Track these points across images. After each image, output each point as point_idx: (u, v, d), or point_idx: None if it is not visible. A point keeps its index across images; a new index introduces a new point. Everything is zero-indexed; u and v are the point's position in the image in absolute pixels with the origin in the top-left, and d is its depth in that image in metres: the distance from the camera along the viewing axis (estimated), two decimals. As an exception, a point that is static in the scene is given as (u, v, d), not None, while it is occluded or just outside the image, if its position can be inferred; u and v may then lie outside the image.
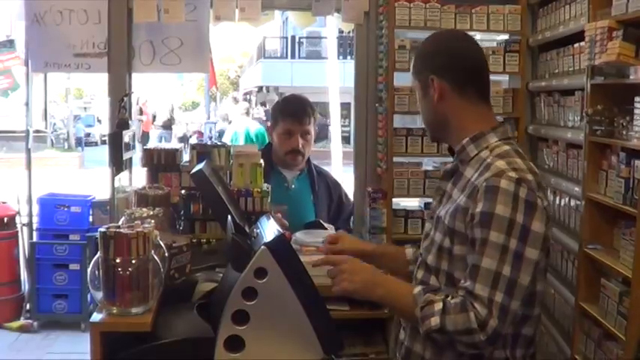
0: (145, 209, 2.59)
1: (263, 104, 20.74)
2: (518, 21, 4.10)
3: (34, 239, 6.18)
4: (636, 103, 2.84)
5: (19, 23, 6.01)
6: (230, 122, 12.19)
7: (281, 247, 1.99)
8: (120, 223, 2.28)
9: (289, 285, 1.97)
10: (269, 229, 2.20)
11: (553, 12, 3.87)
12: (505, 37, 4.23)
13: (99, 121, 28.23)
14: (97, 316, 2.14)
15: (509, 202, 1.85)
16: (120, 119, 3.81)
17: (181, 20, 4.09)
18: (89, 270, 2.18)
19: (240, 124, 10.22)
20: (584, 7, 3.42)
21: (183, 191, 3.04)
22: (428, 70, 2.10)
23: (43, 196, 6.34)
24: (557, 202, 3.71)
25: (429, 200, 4.18)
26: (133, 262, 2.10)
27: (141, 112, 17.34)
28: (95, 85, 31.77)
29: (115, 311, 2.13)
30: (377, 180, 4.14)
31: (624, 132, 2.99)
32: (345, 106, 14.34)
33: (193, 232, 2.96)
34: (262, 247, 1.97)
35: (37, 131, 13.22)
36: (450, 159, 3.68)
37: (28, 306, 6.11)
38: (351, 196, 4.19)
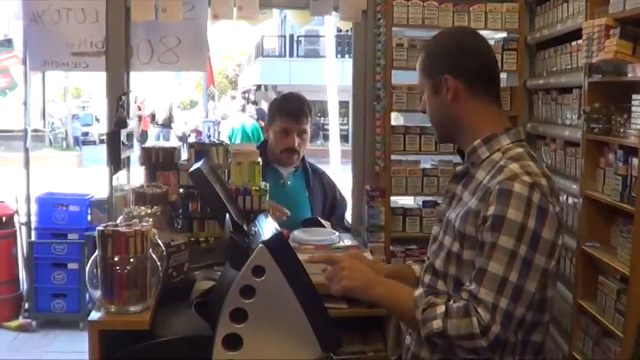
0: (142, 208, 2.60)
1: (255, 103, 20.78)
2: (516, 19, 4.10)
3: (33, 238, 6.17)
4: (634, 100, 2.85)
5: (16, 22, 6.01)
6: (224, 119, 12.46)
7: (279, 245, 1.99)
8: (118, 221, 2.29)
9: (287, 283, 1.97)
10: (267, 227, 2.20)
11: (551, 10, 3.88)
12: (503, 35, 4.23)
13: (97, 120, 28.21)
14: (95, 315, 2.15)
15: (521, 207, 1.81)
16: (118, 118, 3.81)
17: (179, 19, 4.08)
18: (87, 268, 2.18)
19: (237, 121, 10.38)
20: (581, 5, 3.43)
21: (181, 190, 3.04)
22: (441, 69, 2.04)
23: (41, 195, 6.34)
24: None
25: (427, 198, 4.21)
26: (131, 260, 2.10)
27: (139, 111, 17.34)
28: (93, 84, 31.76)
29: (113, 309, 2.13)
30: (375, 178, 4.14)
31: (622, 130, 2.99)
32: (343, 105, 14.35)
33: (191, 231, 2.96)
34: (260, 245, 1.97)
35: (35, 130, 13.20)
36: (447, 157, 3.67)
37: (26, 305, 6.10)
38: (349, 195, 4.20)
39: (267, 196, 3.00)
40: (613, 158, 3.07)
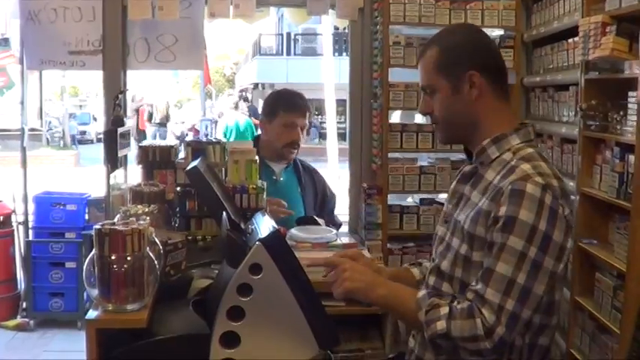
0: (140, 206, 2.59)
1: (246, 100, 20.80)
2: (513, 16, 4.11)
3: (30, 237, 6.16)
4: (630, 97, 2.86)
5: (13, 21, 5.99)
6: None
7: (276, 243, 1.99)
8: (115, 220, 2.28)
9: (284, 281, 1.96)
10: (264, 225, 2.20)
11: (547, 7, 3.88)
12: (500, 32, 4.24)
13: (94, 119, 28.17)
14: (92, 313, 2.14)
15: (533, 208, 1.77)
16: (115, 117, 3.81)
17: (176, 17, 4.09)
18: (85, 267, 2.18)
19: (231, 118, 10.49)
20: (578, 3, 3.44)
21: (178, 188, 3.04)
22: (465, 66, 1.94)
23: (38, 195, 6.32)
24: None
25: (425, 196, 4.22)
26: (128, 258, 2.10)
27: (137, 111, 17.33)
28: (91, 83, 31.71)
29: (110, 308, 2.13)
30: (372, 176, 4.15)
31: (618, 126, 3.00)
32: (341, 103, 14.34)
33: (189, 229, 2.96)
34: (257, 243, 1.97)
35: (33, 129, 13.17)
36: (444, 155, 3.66)
37: (24, 304, 6.08)
38: (346, 193, 4.21)
39: (265, 194, 3.00)
40: (609, 155, 3.08)
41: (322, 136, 21.01)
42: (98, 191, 5.67)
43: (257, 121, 10.28)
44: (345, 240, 3.32)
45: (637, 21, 2.78)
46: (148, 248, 2.17)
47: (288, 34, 25.73)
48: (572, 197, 3.39)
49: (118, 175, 3.45)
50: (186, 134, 18.23)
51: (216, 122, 16.58)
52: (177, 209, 3.00)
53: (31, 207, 6.20)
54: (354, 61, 4.24)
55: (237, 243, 2.11)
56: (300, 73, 21.85)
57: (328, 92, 12.20)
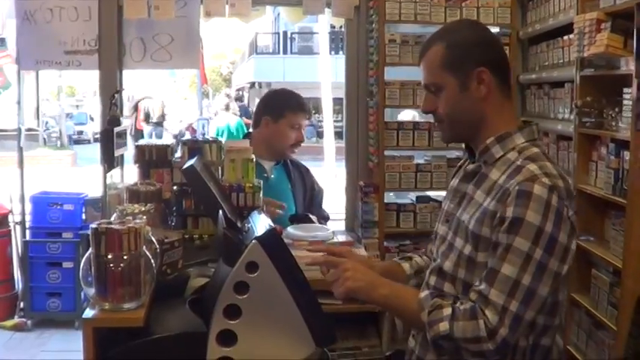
0: (136, 205, 2.59)
1: (238, 99, 20.78)
2: (508, 14, 4.11)
3: (27, 238, 6.16)
4: (625, 94, 2.86)
5: (10, 21, 5.99)
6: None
7: (272, 241, 1.99)
8: (112, 219, 2.29)
9: (281, 279, 1.96)
10: (260, 223, 2.20)
11: (542, 4, 3.89)
12: (495, 30, 4.24)
13: (91, 118, 28.14)
14: (89, 312, 2.14)
15: (540, 210, 1.75)
16: (111, 116, 3.81)
17: (171, 16, 4.09)
18: (81, 266, 2.18)
19: (222, 119, 10.41)
20: (573, 0, 3.44)
21: (175, 187, 3.04)
22: (475, 62, 1.90)
23: (35, 195, 6.32)
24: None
25: (421, 194, 4.22)
26: (125, 257, 2.10)
27: (136, 109, 17.31)
28: (88, 82, 31.67)
29: (107, 307, 2.13)
30: (368, 174, 4.15)
31: (613, 123, 3.01)
32: (337, 102, 14.32)
33: (185, 228, 2.97)
34: (253, 241, 1.97)
35: (29, 129, 13.19)
36: (440, 153, 3.65)
37: (21, 304, 6.09)
38: (342, 191, 4.21)
39: (261, 192, 3.01)
40: (605, 151, 3.09)
41: (319, 134, 21.00)
42: (95, 191, 5.68)
43: (248, 121, 10.26)
44: (342, 238, 3.33)
45: (631, 17, 2.78)
46: (144, 247, 2.17)
47: (285, 33, 25.73)
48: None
49: (114, 175, 3.46)
50: (184, 133, 18.23)
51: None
52: (174, 208, 3.01)
53: (28, 207, 6.21)
54: (350, 59, 4.24)
55: (233, 241, 2.11)
56: (296, 72, 21.86)
57: (325, 91, 12.19)
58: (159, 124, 17.43)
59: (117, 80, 4.17)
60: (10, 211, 6.28)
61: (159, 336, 2.12)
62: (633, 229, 2.82)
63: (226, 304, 1.98)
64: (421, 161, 4.20)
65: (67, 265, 5.94)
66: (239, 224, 2.49)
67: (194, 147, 3.07)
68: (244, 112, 15.05)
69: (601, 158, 3.16)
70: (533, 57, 4.11)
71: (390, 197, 4.24)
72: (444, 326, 1.78)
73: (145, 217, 2.34)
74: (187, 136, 16.05)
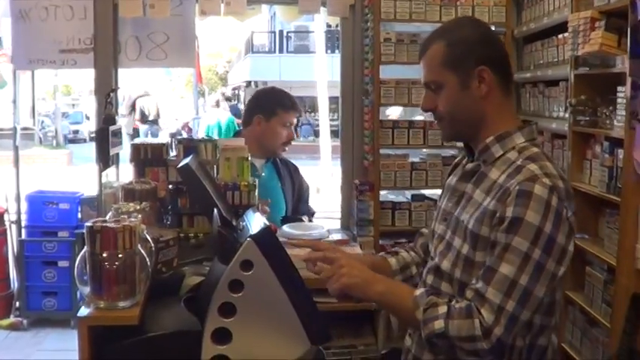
0: (131, 204, 2.59)
1: (228, 99, 20.74)
2: (503, 13, 4.12)
3: (23, 237, 6.15)
4: (619, 92, 2.87)
5: (5, 20, 5.98)
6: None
7: (267, 239, 1.99)
8: (107, 217, 2.29)
9: (275, 277, 1.96)
10: (255, 222, 2.20)
11: (537, 3, 3.90)
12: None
13: (87, 117, 28.09)
14: (84, 311, 2.14)
15: (540, 210, 1.74)
16: (106, 115, 3.80)
17: (167, 15, 4.09)
18: (76, 265, 2.18)
19: (212, 117, 10.37)
20: (567, -2, 3.45)
21: (170, 186, 3.04)
22: (476, 60, 1.88)
23: (31, 194, 6.31)
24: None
25: (416, 192, 4.23)
26: (120, 255, 2.10)
27: (134, 108, 17.30)
28: (83, 81, 31.62)
29: (102, 305, 2.13)
30: (364, 172, 4.16)
31: (607, 121, 3.02)
32: (333, 100, 14.33)
33: (181, 227, 2.97)
34: (248, 239, 1.97)
35: (25, 128, 13.13)
36: (435, 151, 3.63)
37: (17, 304, 6.08)
38: (338, 190, 4.22)
39: (256, 190, 3.01)
40: (599, 150, 3.10)
41: (316, 133, 21.01)
42: (91, 190, 5.67)
43: (238, 120, 10.21)
44: (337, 236, 3.33)
45: (625, 16, 2.79)
46: (139, 245, 2.17)
47: (281, 32, 25.73)
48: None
49: (110, 174, 3.46)
50: (181, 132, 18.21)
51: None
52: (169, 207, 3.01)
53: (24, 206, 6.19)
54: (346, 58, 4.24)
55: (228, 240, 2.11)
56: (292, 71, 21.88)
57: (321, 89, 12.21)
58: (154, 122, 17.41)
59: (112, 79, 4.17)
60: (6, 210, 6.27)
61: (154, 334, 2.12)
62: (627, 227, 2.83)
63: (221, 303, 1.98)
64: (416, 160, 4.21)
65: (62, 264, 5.93)
66: (234, 222, 2.49)
67: (189, 145, 3.07)
68: (235, 111, 15.01)
69: (595, 156, 3.17)
70: (528, 55, 4.12)
71: (385, 195, 4.25)
72: (438, 324, 1.77)
73: (140, 215, 2.34)
74: (184, 134, 16.06)
